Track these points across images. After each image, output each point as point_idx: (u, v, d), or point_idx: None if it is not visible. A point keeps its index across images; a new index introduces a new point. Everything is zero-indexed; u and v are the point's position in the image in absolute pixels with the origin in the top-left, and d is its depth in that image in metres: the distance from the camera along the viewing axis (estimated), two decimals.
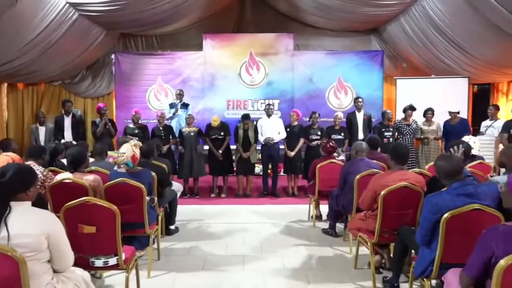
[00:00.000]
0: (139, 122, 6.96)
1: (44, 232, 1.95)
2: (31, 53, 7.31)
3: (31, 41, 6.96)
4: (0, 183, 1.91)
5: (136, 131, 6.69)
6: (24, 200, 1.99)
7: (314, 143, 6.55)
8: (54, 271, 2.09)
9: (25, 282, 1.80)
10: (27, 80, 8.90)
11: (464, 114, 7.63)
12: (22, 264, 1.78)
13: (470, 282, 1.96)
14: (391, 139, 6.78)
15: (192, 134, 6.56)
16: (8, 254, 1.76)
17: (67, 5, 6.92)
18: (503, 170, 3.64)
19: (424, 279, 2.60)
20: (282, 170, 7.04)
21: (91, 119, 9.31)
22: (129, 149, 3.61)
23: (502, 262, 1.69)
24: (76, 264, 2.30)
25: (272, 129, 6.66)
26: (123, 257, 2.74)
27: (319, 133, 6.65)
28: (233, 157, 6.83)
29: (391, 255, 3.41)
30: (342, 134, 6.75)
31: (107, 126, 6.83)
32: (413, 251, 3.10)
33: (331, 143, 5.27)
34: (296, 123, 6.72)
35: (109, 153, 4.68)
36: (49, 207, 3.29)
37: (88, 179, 3.35)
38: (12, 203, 1.93)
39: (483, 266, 1.84)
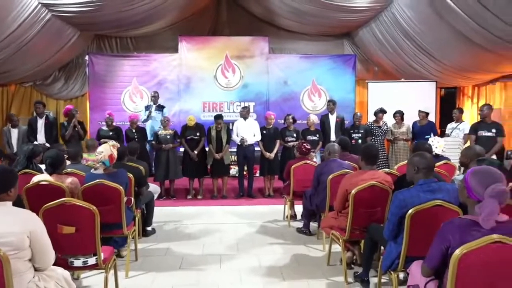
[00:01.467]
0: (113, 124, 6.91)
1: (26, 230, 2.00)
2: (2, 54, 7.16)
3: (1, 42, 6.82)
4: None
5: (110, 133, 6.66)
6: (5, 200, 2.03)
7: (290, 144, 6.68)
8: (36, 270, 2.13)
9: (9, 280, 1.84)
10: None
11: (432, 116, 7.96)
12: (6, 262, 1.81)
13: (430, 272, 2.12)
14: (359, 140, 7.01)
15: (168, 136, 6.58)
16: None
17: (40, 5, 6.82)
18: None
19: (392, 272, 2.76)
20: (258, 171, 7.14)
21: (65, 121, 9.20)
22: (107, 149, 3.66)
23: (457, 252, 1.85)
24: (55, 264, 2.33)
25: (248, 132, 6.75)
26: (102, 257, 2.79)
27: (294, 135, 6.79)
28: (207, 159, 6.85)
29: (362, 251, 3.58)
30: (317, 135, 6.93)
31: (76, 129, 6.76)
32: (382, 247, 3.27)
33: (305, 145, 5.41)
34: (271, 125, 6.84)
35: (84, 155, 4.70)
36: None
37: (66, 181, 3.36)
38: None
39: (441, 256, 2.00)
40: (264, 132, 6.79)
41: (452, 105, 9.07)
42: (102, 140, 6.14)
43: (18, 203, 2.34)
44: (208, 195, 6.91)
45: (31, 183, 3.35)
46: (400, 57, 8.51)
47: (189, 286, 3.44)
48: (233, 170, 7.70)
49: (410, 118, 7.40)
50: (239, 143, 6.71)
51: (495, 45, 6.13)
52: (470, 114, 9.21)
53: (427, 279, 2.16)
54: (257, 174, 7.26)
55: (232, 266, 3.85)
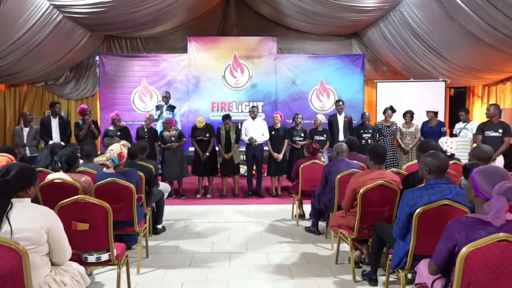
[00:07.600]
0: (120, 124, 6.91)
1: (44, 226, 2.06)
2: (14, 54, 7.31)
3: (14, 42, 6.97)
4: (4, 181, 2.01)
5: (118, 133, 6.68)
6: (24, 197, 2.10)
7: (300, 144, 6.70)
8: (53, 264, 2.20)
9: (27, 273, 1.91)
10: (9, 81, 8.86)
11: (441, 116, 7.92)
12: (25, 256, 1.88)
13: (437, 270, 2.14)
14: (369, 140, 7.00)
15: (173, 138, 6.60)
16: (11, 247, 1.87)
17: (51, 7, 6.94)
18: None
19: (399, 270, 2.79)
20: (266, 171, 7.16)
21: (75, 121, 9.31)
22: (117, 147, 3.74)
23: (464, 250, 1.87)
24: (70, 260, 2.40)
25: (256, 131, 6.77)
26: (115, 253, 2.85)
27: (302, 134, 6.82)
28: (217, 159, 6.90)
29: (370, 250, 3.60)
30: (324, 135, 6.94)
31: (91, 128, 6.83)
32: (389, 245, 3.29)
33: (314, 145, 5.44)
34: (279, 125, 6.86)
35: (96, 159, 4.78)
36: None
37: (80, 179, 3.44)
38: (13, 200, 2.04)
39: (448, 254, 2.03)
40: (273, 132, 6.79)
41: (462, 105, 9.02)
42: (113, 139, 6.16)
43: (33, 200, 2.41)
44: (217, 194, 6.97)
45: (45, 180, 3.43)
46: (409, 56, 8.50)
47: (199, 282, 3.49)
48: (242, 170, 7.73)
49: (419, 118, 7.37)
50: (248, 142, 6.75)
51: (504, 44, 6.10)
52: (480, 114, 9.15)
53: (434, 277, 2.18)
54: (265, 174, 7.28)
55: (241, 264, 3.90)
